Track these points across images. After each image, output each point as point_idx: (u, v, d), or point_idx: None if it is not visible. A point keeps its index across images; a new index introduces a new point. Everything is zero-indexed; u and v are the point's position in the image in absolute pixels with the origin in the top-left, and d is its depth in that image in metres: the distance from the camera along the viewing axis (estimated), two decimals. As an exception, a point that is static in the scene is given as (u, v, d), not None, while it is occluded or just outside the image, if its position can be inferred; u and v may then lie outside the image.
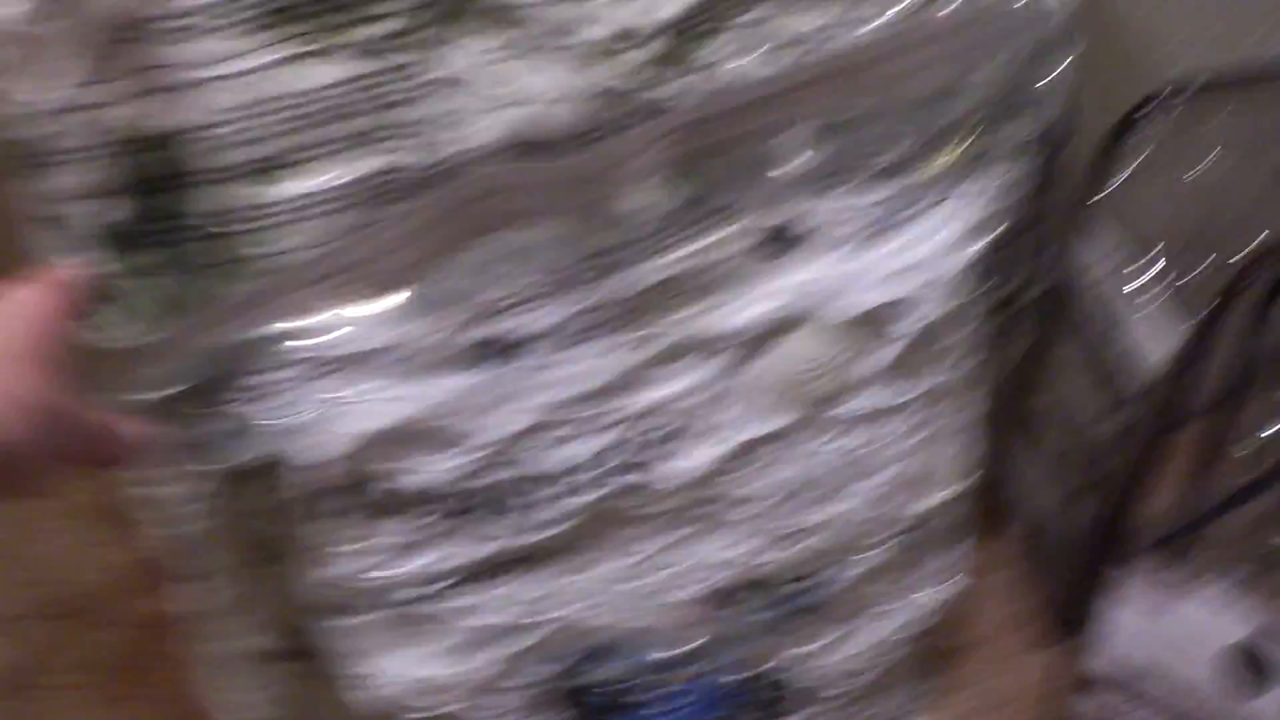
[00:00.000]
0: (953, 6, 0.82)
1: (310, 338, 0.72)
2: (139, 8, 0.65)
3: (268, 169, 0.69)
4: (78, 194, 0.70)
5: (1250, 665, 0.99)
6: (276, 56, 0.68)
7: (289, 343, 0.71)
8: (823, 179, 0.79)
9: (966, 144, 0.82)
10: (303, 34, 0.68)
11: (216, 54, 0.66)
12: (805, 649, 1.03)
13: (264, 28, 0.67)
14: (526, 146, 0.72)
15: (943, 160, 0.82)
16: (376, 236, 0.70)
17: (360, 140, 0.70)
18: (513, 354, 0.75)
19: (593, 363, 0.77)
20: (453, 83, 0.70)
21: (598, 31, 0.72)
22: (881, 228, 0.82)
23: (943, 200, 0.83)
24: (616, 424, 0.80)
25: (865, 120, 0.80)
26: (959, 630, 1.27)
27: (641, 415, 0.80)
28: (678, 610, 0.93)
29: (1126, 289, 1.05)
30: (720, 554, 0.91)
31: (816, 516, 0.92)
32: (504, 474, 0.79)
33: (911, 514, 0.98)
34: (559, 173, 0.72)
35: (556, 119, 0.72)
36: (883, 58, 0.80)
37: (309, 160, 0.70)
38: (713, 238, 0.77)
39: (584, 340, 0.76)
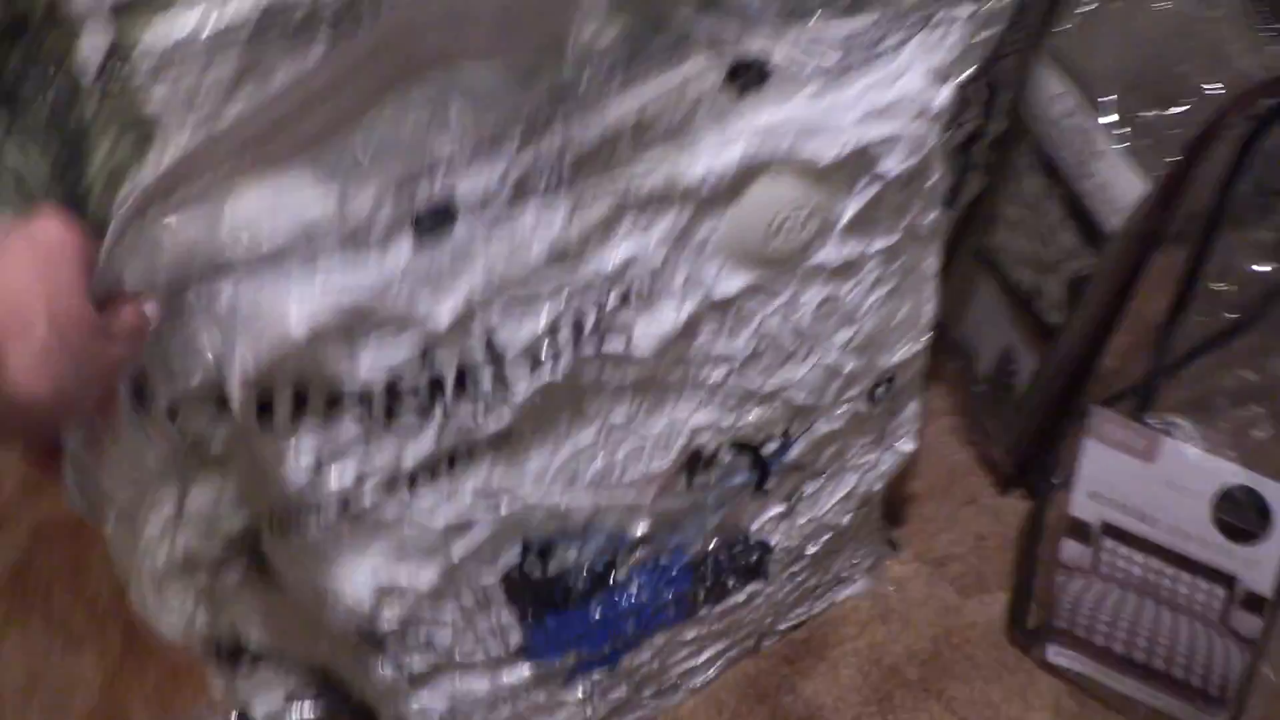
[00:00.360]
0: None
1: (235, 224, 0.61)
2: None
3: (143, 6, 0.60)
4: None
5: (1248, 507, 1.00)
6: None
7: (211, 232, 0.61)
8: (787, 11, 0.72)
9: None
10: None
11: None
12: (780, 508, 1.00)
13: None
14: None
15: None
16: (293, 94, 0.60)
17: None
18: (453, 222, 0.66)
19: (542, 226, 0.68)
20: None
21: None
22: (849, 65, 0.74)
23: (911, 38, 0.76)
24: (573, 290, 0.72)
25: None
26: (918, 477, 1.25)
27: (601, 278, 0.73)
28: (649, 482, 0.87)
29: (1088, 129, 0.99)
30: (692, 419, 0.86)
31: (786, 375, 0.88)
32: (457, 356, 0.71)
33: (879, 367, 0.94)
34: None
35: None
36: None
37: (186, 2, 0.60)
38: (674, 75, 0.69)
39: (530, 201, 0.68)
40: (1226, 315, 1.01)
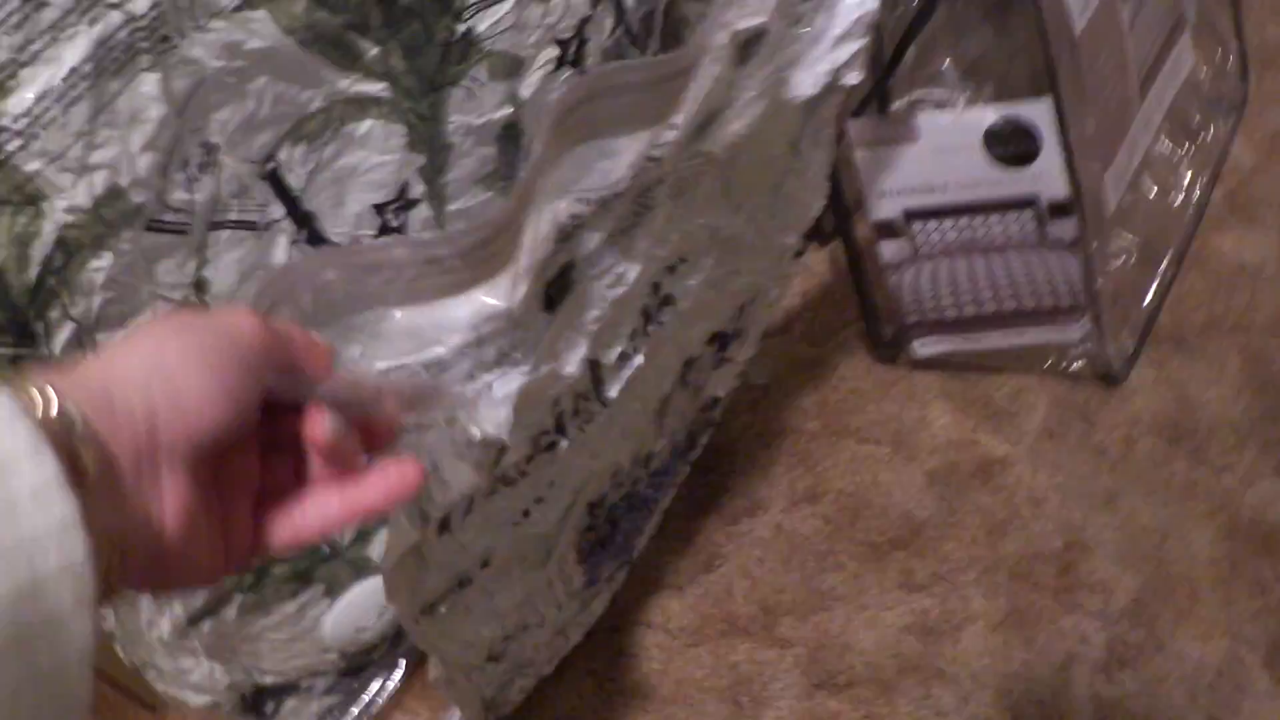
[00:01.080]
0: None
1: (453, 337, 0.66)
2: None
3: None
4: None
5: (1009, 141, 1.10)
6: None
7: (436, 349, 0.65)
8: None
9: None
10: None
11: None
12: (725, 366, 1.09)
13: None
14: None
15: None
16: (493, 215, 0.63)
17: (80, 11, 0.63)
18: (571, 278, 0.72)
19: (637, 253, 0.75)
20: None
21: None
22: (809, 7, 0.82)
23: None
24: (646, 293, 0.80)
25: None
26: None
27: (663, 267, 0.81)
28: (663, 402, 0.96)
29: None
30: (693, 335, 0.95)
31: (751, 267, 0.97)
32: (572, 390, 0.78)
33: (808, 224, 1.03)
34: (654, 69, 0.68)
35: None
36: None
37: (37, 57, 0.62)
38: (713, 69, 0.74)
39: (627, 234, 0.74)
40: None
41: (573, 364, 0.74)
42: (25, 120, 0.63)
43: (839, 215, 1.22)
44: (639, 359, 0.82)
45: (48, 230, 0.64)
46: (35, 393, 0.40)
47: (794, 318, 1.35)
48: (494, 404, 0.68)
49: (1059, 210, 1.14)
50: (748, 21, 0.75)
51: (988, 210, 1.15)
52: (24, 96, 0.63)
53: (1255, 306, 1.34)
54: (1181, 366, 1.31)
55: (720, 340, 1.01)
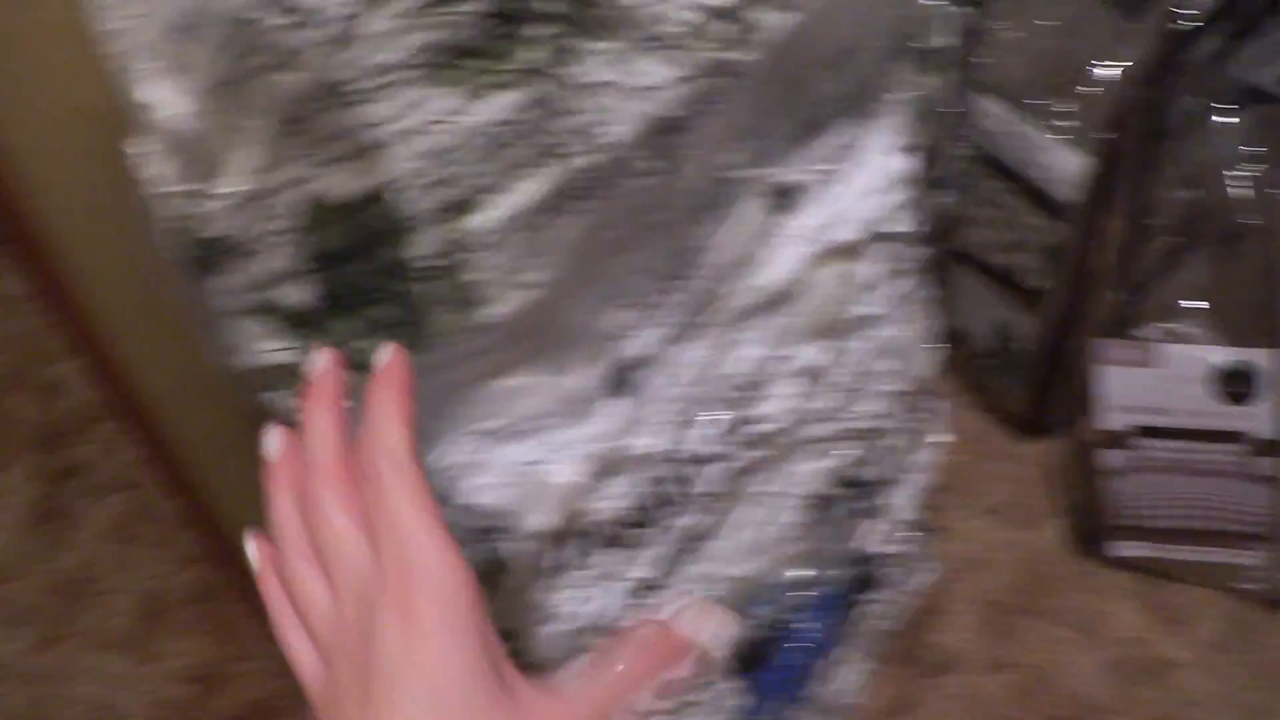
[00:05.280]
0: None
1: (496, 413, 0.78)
2: (317, 83, 0.66)
3: (463, 205, 0.72)
4: (266, 282, 0.72)
5: (1232, 380, 1.23)
6: (458, 98, 0.70)
7: (480, 423, 0.77)
8: (794, 141, 0.90)
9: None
10: (477, 70, 0.70)
11: (401, 107, 0.68)
12: (879, 521, 1.19)
13: (442, 68, 0.69)
14: (660, 125, 0.79)
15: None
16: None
17: (539, 156, 0.73)
18: (634, 373, 0.85)
19: (687, 355, 0.88)
20: (599, 85, 0.74)
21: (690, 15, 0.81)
22: (843, 165, 0.94)
23: (876, 130, 0.96)
24: (726, 395, 0.92)
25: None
26: (955, 450, 1.47)
27: (731, 383, 0.92)
28: (793, 531, 1.06)
29: (1024, 131, 1.24)
30: (811, 468, 1.05)
31: (860, 410, 1.07)
32: (669, 472, 0.89)
33: (917, 378, 1.14)
34: (675, 181, 0.79)
35: (679, 97, 0.81)
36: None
37: (500, 187, 0.73)
38: (740, 217, 0.87)
39: (679, 340, 0.87)
40: (1167, 239, 1.27)
41: (639, 446, 0.86)
42: (480, 238, 0.74)
43: (1070, 419, 1.36)
44: (721, 465, 0.93)
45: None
46: None
47: (1007, 503, 1.50)
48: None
49: (1266, 449, 1.27)
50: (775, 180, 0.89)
51: (1203, 438, 1.29)
52: (488, 217, 0.74)
53: None
54: (1344, 602, 1.37)
55: (858, 489, 1.12)
